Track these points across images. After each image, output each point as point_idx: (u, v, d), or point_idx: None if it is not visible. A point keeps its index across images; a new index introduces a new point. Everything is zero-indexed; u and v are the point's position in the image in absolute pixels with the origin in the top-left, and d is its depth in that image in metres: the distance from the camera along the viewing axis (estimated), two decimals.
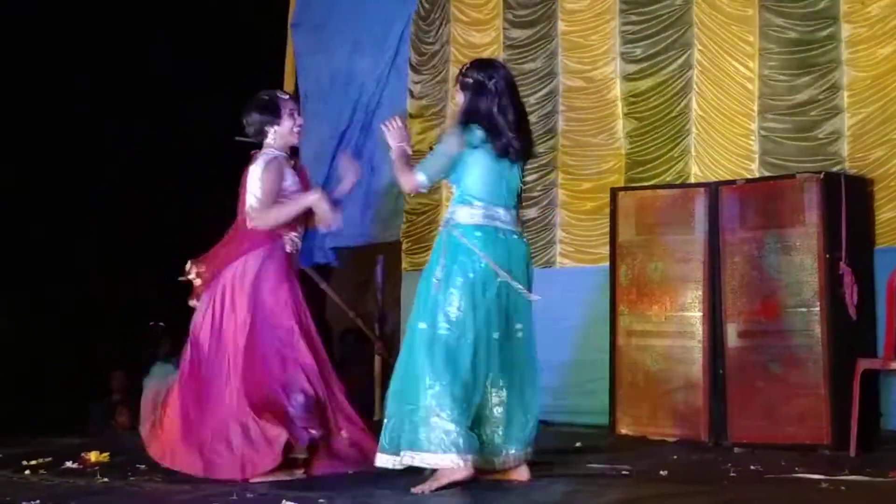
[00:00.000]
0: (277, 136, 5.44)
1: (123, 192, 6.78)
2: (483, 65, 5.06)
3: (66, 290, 7.10)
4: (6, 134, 6.82)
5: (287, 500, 4.38)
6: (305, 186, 5.51)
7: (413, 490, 4.57)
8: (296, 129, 5.49)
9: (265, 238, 5.34)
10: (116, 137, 7.49)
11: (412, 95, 8.65)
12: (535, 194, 8.09)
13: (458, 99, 5.03)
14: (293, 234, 5.44)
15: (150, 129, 7.20)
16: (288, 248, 5.42)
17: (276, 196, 5.31)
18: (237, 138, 5.47)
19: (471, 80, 4.96)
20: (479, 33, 8.46)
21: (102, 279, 6.50)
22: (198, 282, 5.36)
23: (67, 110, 7.17)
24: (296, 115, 5.51)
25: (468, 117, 4.91)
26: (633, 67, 7.72)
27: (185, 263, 5.43)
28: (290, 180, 5.42)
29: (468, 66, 5.07)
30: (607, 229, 7.33)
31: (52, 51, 7.30)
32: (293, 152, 5.69)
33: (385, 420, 4.82)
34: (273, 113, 5.44)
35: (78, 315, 5.91)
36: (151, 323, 5.77)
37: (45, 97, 5.95)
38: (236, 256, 5.33)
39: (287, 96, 5.65)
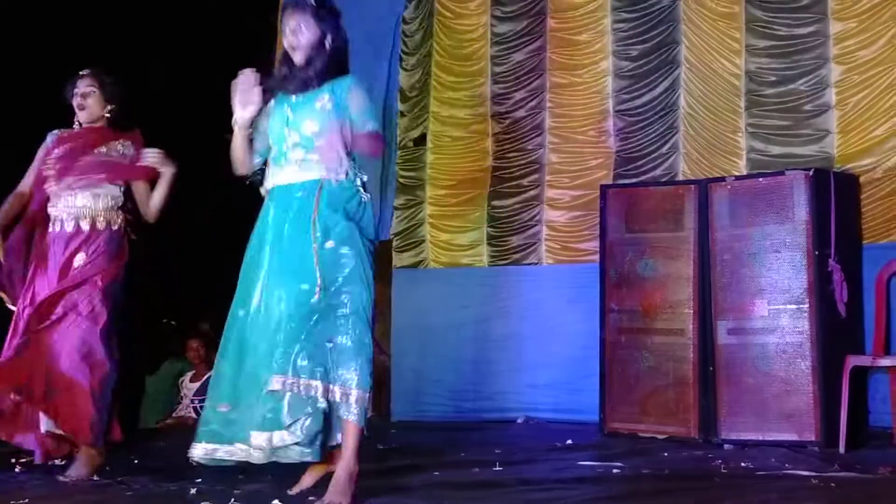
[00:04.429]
0: None
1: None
2: None
3: None
4: (7, 135, 6.78)
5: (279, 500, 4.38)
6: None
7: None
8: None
9: None
10: None
11: (400, 92, 8.64)
12: (522, 191, 8.09)
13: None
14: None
15: (150, 132, 7.16)
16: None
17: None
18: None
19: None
20: (465, 28, 8.45)
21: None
22: None
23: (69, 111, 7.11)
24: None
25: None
26: (624, 65, 7.73)
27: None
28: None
29: None
30: (594, 227, 7.36)
31: (52, 52, 7.26)
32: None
33: None
34: None
35: None
36: (164, 320, 5.74)
37: (46, 98, 5.91)
38: None
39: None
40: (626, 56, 7.74)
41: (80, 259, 5.27)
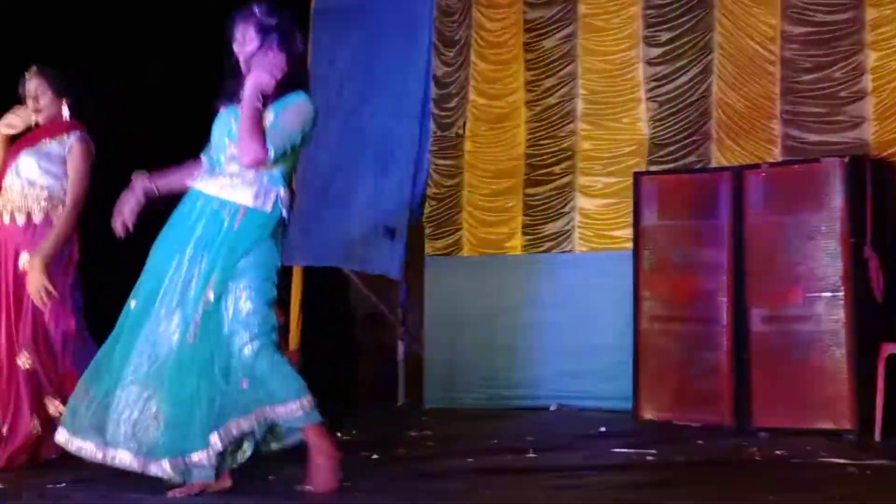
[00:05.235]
0: None
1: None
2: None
3: None
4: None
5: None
6: None
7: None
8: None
9: None
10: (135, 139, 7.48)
11: (436, 81, 8.63)
12: (554, 178, 8.07)
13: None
14: None
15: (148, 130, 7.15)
16: None
17: None
18: None
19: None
20: (499, 17, 8.45)
21: (108, 283, 6.40)
22: None
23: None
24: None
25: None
26: (655, 51, 7.69)
27: None
28: None
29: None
30: (627, 214, 7.35)
31: (52, 51, 7.27)
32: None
33: None
34: None
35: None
36: None
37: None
38: None
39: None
40: (657, 42, 7.71)
41: (23, 259, 5.03)
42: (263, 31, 4.33)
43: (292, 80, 4.35)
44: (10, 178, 5.19)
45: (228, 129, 4.35)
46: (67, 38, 7.45)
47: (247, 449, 4.31)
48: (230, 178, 4.30)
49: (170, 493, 4.15)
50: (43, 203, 5.13)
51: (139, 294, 4.28)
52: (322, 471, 4.18)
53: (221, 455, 4.19)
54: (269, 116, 4.28)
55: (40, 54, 5.54)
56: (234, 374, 4.16)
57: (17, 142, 5.26)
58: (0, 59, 6.82)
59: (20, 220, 5.10)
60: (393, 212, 8.46)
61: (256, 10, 4.38)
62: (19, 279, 5.04)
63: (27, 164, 5.16)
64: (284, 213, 4.33)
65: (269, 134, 4.23)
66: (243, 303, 4.19)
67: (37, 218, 5.11)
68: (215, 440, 4.12)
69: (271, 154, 4.21)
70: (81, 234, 5.22)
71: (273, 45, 4.32)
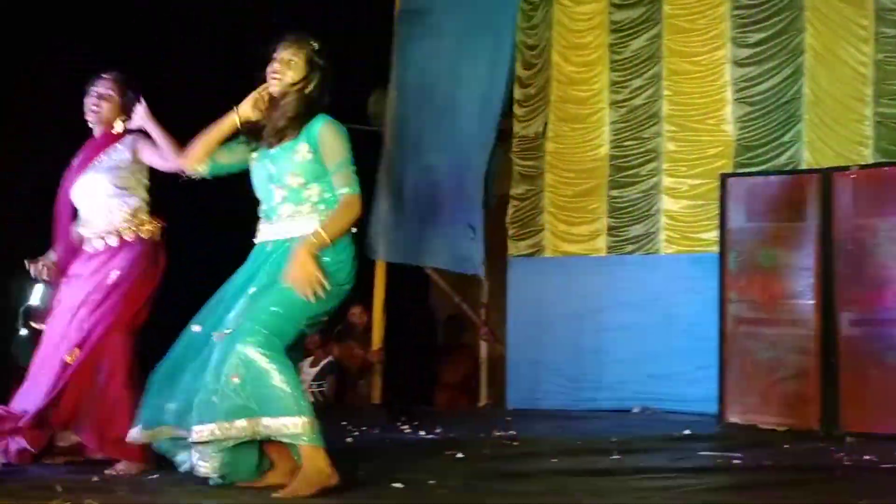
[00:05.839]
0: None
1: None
2: None
3: None
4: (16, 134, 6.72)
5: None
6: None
7: None
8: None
9: None
10: None
11: (520, 82, 8.64)
12: (639, 180, 8.05)
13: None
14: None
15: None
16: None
17: None
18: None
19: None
20: (582, 18, 8.44)
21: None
22: None
23: None
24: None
25: None
26: (744, 52, 7.63)
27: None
28: None
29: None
30: (713, 215, 7.29)
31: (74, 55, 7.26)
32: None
33: None
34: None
35: None
36: None
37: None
38: None
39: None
40: (746, 43, 7.65)
41: (114, 276, 4.97)
42: (311, 66, 4.39)
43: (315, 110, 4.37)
44: (87, 207, 5.11)
45: (268, 174, 4.37)
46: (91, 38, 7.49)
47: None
48: (290, 219, 4.34)
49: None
50: (129, 221, 5.05)
51: (205, 320, 4.30)
52: (307, 474, 4.05)
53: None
54: (304, 146, 4.30)
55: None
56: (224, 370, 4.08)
57: (75, 167, 5.17)
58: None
59: (112, 241, 5.03)
60: (473, 210, 8.49)
61: (313, 45, 4.42)
62: (107, 291, 4.95)
63: (100, 186, 5.07)
64: (351, 229, 4.33)
65: (333, 177, 4.28)
66: (264, 300, 4.16)
67: (128, 236, 5.04)
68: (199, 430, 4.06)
69: (356, 190, 4.27)
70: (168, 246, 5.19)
71: (313, 81, 4.37)
